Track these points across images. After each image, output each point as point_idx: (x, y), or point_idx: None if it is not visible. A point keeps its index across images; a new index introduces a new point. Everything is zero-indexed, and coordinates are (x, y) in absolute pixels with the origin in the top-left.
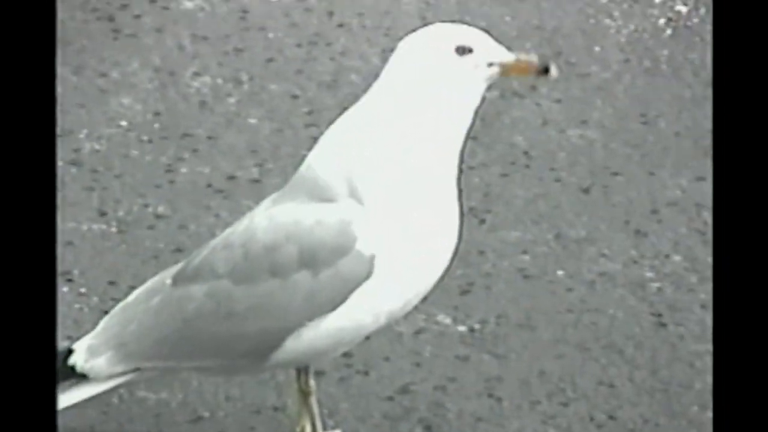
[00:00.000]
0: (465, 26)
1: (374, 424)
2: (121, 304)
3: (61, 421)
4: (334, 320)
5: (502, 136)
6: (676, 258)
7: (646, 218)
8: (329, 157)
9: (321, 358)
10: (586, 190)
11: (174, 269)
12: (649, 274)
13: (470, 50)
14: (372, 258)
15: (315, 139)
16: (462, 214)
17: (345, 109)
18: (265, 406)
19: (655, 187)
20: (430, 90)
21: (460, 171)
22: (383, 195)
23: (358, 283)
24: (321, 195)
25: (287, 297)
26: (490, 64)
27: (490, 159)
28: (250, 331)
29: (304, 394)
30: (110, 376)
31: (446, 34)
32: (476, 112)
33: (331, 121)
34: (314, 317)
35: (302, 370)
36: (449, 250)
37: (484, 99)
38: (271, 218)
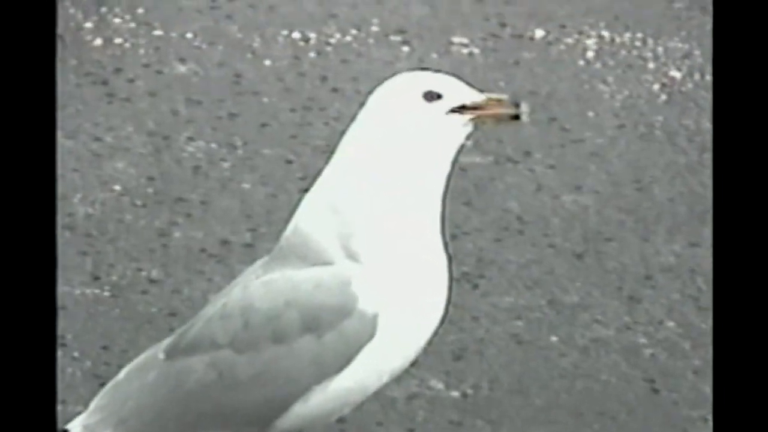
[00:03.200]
0: (433, 73)
1: None
2: (111, 384)
3: None
4: (341, 382)
5: (495, 201)
6: (670, 324)
7: (639, 284)
8: (316, 219)
9: (325, 421)
10: (579, 256)
11: (164, 344)
12: (643, 340)
13: (439, 96)
14: (375, 317)
15: None
16: (450, 266)
17: None
18: None
19: (649, 253)
20: (402, 138)
21: (453, 236)
22: (378, 250)
23: (362, 344)
24: (314, 258)
25: (292, 363)
26: (462, 110)
27: (484, 224)
28: (255, 400)
29: None
30: None
31: (413, 81)
32: (456, 168)
33: None
34: (321, 381)
35: None
36: (443, 302)
37: (461, 150)
38: (267, 285)
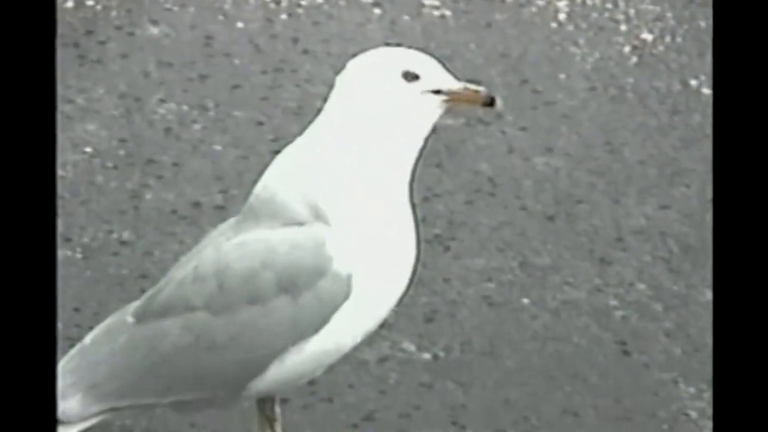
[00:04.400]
0: (413, 51)
1: None
2: (76, 348)
3: None
4: (317, 343)
5: (466, 163)
6: (641, 286)
7: (610, 246)
8: (289, 181)
9: (298, 383)
10: (551, 218)
11: (131, 307)
12: (614, 303)
13: (417, 77)
14: (349, 277)
15: None
16: (418, 229)
17: None
18: None
19: (620, 215)
20: (378, 113)
21: (425, 198)
22: (347, 215)
23: (338, 304)
24: (284, 217)
25: (269, 323)
26: (437, 92)
27: (455, 187)
28: (232, 361)
29: (270, 421)
30: (83, 418)
31: (394, 59)
32: (430, 137)
33: None
34: (297, 341)
35: (267, 399)
36: (411, 263)
37: (435, 127)
38: (241, 246)
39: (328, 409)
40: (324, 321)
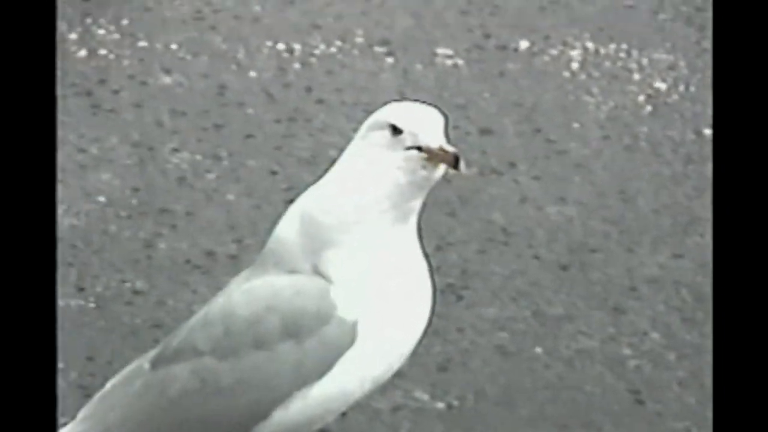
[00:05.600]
0: (411, 106)
1: None
2: (98, 395)
3: None
4: (322, 389)
5: (479, 212)
6: (655, 335)
7: (624, 295)
8: (291, 235)
9: (307, 429)
10: (564, 267)
11: (150, 354)
12: (627, 352)
13: (400, 131)
14: (354, 324)
15: None
16: (433, 277)
17: None
18: None
19: (634, 264)
20: (369, 166)
21: (438, 248)
22: (346, 274)
23: (342, 350)
24: (287, 266)
25: (273, 368)
26: (419, 148)
27: (468, 236)
28: (236, 406)
29: None
30: None
31: (388, 112)
32: (432, 189)
33: None
34: (302, 387)
35: None
36: (424, 313)
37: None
38: (248, 292)
39: None
40: (328, 366)
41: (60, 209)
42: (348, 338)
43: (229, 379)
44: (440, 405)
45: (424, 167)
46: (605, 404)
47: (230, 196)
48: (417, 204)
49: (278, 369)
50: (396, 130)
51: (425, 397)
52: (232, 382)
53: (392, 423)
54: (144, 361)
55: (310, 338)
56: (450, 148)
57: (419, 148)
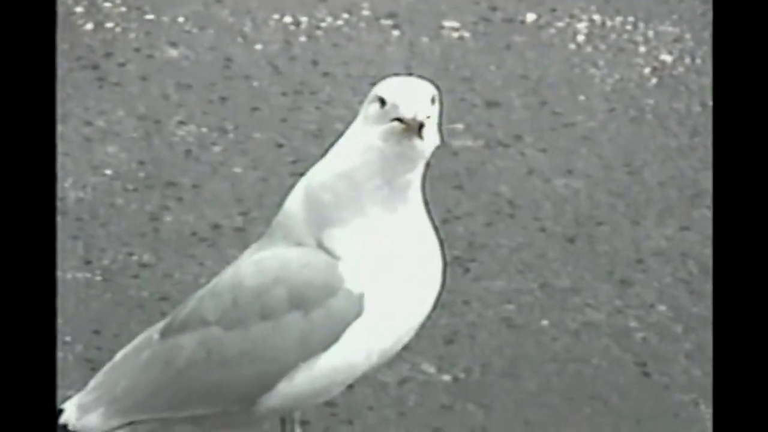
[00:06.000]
0: (399, 79)
1: None
2: (109, 364)
3: None
4: (327, 360)
5: (486, 185)
6: (661, 308)
7: (630, 268)
8: (298, 209)
9: (313, 401)
10: (571, 240)
11: (160, 325)
12: (634, 324)
13: (384, 103)
14: (361, 296)
15: None
16: (443, 249)
17: None
18: None
19: (640, 236)
20: (359, 139)
21: (444, 220)
22: (350, 249)
23: (348, 322)
24: (294, 239)
25: (280, 339)
26: (399, 120)
27: (475, 208)
28: (242, 377)
29: None
30: None
31: (380, 85)
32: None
33: None
34: (307, 358)
35: (288, 420)
36: (434, 285)
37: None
38: (256, 263)
39: (348, 430)
40: (334, 338)
41: (66, 182)
42: (354, 310)
43: (235, 350)
44: (447, 377)
45: (406, 138)
46: (612, 376)
47: (236, 169)
48: (411, 178)
49: (284, 340)
50: (383, 103)
51: (432, 369)
52: (239, 352)
53: (399, 396)
54: (153, 332)
55: (316, 310)
56: (418, 117)
57: (400, 120)
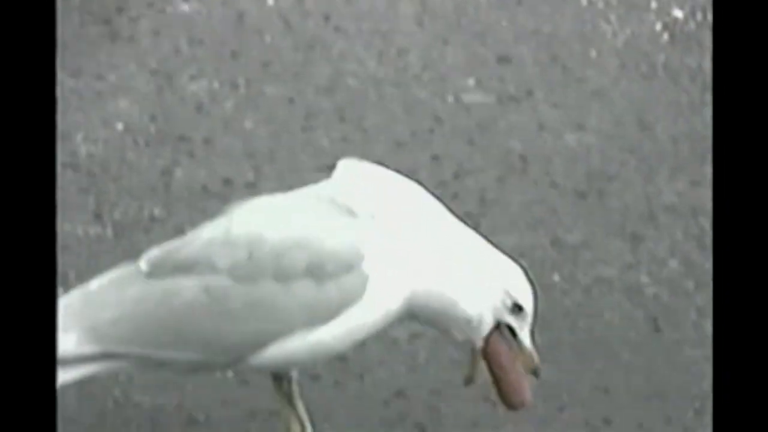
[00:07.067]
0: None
1: (369, 429)
2: (79, 292)
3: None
4: (325, 332)
5: (497, 140)
6: (673, 263)
7: (642, 223)
8: (355, 176)
9: (297, 368)
10: (582, 195)
11: (144, 258)
12: (646, 280)
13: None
14: (367, 279)
15: (311, 144)
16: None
17: (342, 113)
18: (260, 409)
19: (652, 192)
20: (484, 307)
21: (456, 176)
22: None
23: (352, 303)
24: (340, 210)
25: (287, 303)
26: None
27: (486, 164)
28: (240, 330)
29: (288, 397)
30: (75, 357)
31: (522, 290)
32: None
33: (328, 125)
34: (307, 327)
35: (283, 375)
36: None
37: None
38: (283, 221)
39: (359, 386)
40: (337, 314)
41: (78, 137)
42: (361, 291)
43: (239, 302)
44: None
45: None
46: (623, 332)
47: (248, 124)
48: None
49: (291, 305)
50: (519, 309)
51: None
52: (242, 305)
53: (410, 351)
54: (135, 267)
55: (329, 282)
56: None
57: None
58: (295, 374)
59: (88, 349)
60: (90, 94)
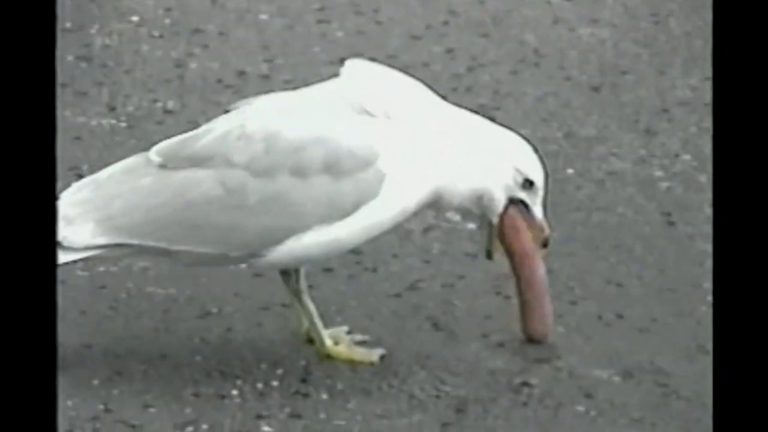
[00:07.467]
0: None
1: (382, 322)
2: (91, 180)
3: (68, 318)
4: (341, 229)
5: (512, 34)
6: (686, 157)
7: (655, 117)
8: (366, 76)
9: (311, 264)
10: (596, 89)
11: (155, 150)
12: (659, 173)
13: (532, 184)
14: (383, 178)
15: (326, 36)
16: None
17: (357, 5)
18: (273, 302)
19: (665, 86)
20: (493, 184)
21: (470, 68)
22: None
23: (368, 200)
24: (357, 110)
25: (303, 198)
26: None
27: (500, 56)
28: (256, 225)
29: (297, 293)
30: (87, 248)
31: (530, 164)
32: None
33: (343, 18)
34: (323, 223)
35: (291, 271)
36: None
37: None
38: (302, 117)
39: (373, 278)
40: (353, 211)
41: (92, 29)
42: (377, 189)
43: (256, 197)
44: (471, 225)
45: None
46: (636, 226)
47: (263, 16)
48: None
49: (308, 200)
50: (531, 184)
51: (456, 217)
52: (259, 199)
53: (423, 244)
54: (149, 156)
55: (345, 178)
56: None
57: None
58: (303, 269)
59: (100, 240)
60: None
